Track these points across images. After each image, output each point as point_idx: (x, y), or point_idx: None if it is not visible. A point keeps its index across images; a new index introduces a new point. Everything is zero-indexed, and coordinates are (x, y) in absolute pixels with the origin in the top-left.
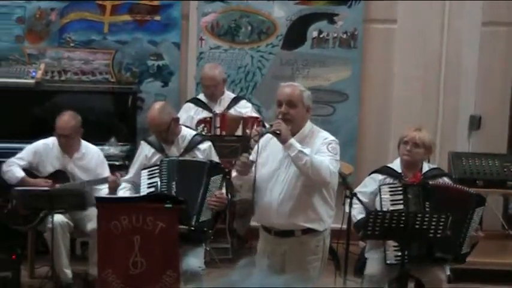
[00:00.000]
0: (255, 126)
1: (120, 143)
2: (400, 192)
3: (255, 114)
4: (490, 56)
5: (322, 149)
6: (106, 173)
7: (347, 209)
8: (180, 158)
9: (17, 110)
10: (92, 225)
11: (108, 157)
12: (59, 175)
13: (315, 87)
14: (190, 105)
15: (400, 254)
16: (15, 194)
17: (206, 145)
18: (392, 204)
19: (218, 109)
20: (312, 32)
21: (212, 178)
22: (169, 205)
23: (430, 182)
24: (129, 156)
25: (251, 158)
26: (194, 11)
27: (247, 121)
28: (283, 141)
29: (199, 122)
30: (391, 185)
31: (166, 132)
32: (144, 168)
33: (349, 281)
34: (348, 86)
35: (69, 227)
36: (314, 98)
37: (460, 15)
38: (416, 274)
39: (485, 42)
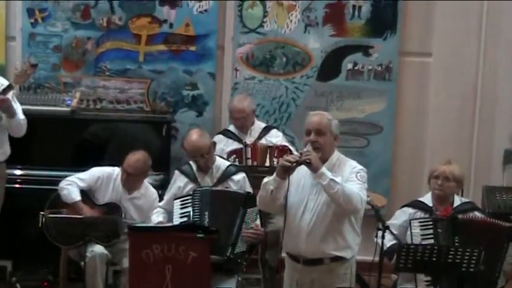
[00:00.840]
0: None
1: (154, 172)
2: (431, 226)
3: (286, 143)
4: None
5: (351, 177)
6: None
7: (379, 241)
8: (214, 188)
9: (52, 138)
10: (127, 262)
11: None
12: (114, 208)
13: (349, 119)
14: (220, 137)
15: None
16: (47, 219)
17: (240, 176)
18: (422, 239)
19: (249, 139)
20: (347, 64)
21: (249, 210)
22: (202, 235)
23: (460, 216)
24: (163, 185)
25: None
26: (230, 41)
27: (273, 150)
28: (314, 169)
29: (230, 153)
30: (421, 220)
31: (207, 156)
32: (177, 198)
33: None
34: (382, 118)
35: (108, 258)
36: (348, 130)
37: (496, 47)
38: None
39: None
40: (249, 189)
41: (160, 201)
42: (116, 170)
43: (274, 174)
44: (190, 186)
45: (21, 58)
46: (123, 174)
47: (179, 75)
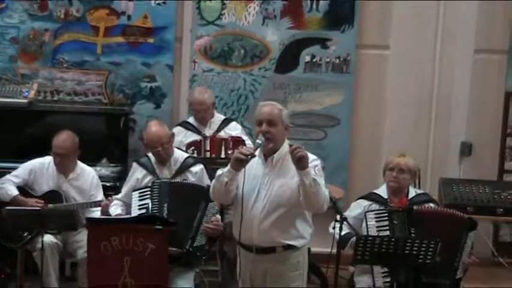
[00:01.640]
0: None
1: (111, 164)
2: (386, 218)
3: (244, 136)
4: (481, 83)
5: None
6: (100, 195)
7: (334, 232)
8: (172, 180)
9: (9, 130)
10: (83, 253)
11: (99, 178)
12: (53, 195)
13: (307, 112)
14: (179, 128)
15: (389, 279)
16: (5, 213)
17: (198, 168)
18: (378, 231)
19: (208, 132)
20: (305, 57)
21: (210, 204)
22: (160, 227)
23: (415, 207)
24: (121, 177)
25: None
26: (188, 33)
27: (228, 142)
28: (303, 167)
29: (189, 145)
30: (377, 211)
31: (168, 145)
32: (135, 190)
33: None
34: (340, 110)
35: (59, 247)
36: (306, 122)
37: (453, 42)
38: None
39: (477, 69)
40: (207, 181)
41: (117, 193)
42: (47, 158)
43: (229, 166)
44: (149, 178)
45: None
46: (55, 158)
47: (137, 67)
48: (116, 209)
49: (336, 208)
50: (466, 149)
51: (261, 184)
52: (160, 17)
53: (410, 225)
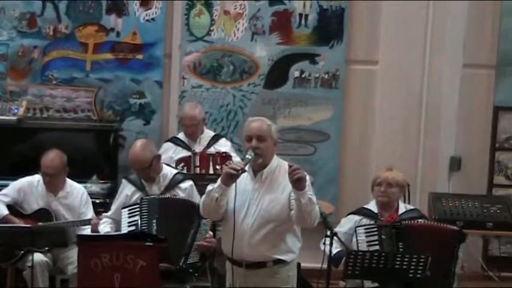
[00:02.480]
0: (228, 162)
1: (101, 181)
2: (375, 233)
3: (233, 153)
4: (470, 97)
5: None
6: (90, 212)
7: (326, 248)
8: (162, 196)
9: None
10: (73, 269)
11: (89, 195)
12: (43, 213)
13: (296, 127)
14: (169, 144)
15: None
16: None
17: (187, 184)
18: (368, 245)
19: (198, 148)
20: (294, 72)
21: (203, 221)
22: (150, 243)
23: (403, 222)
24: (111, 194)
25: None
26: (177, 50)
27: (215, 158)
28: (302, 187)
29: (179, 161)
30: (366, 226)
31: (149, 170)
32: (125, 207)
33: None
34: (329, 126)
35: (48, 265)
36: (295, 137)
37: (441, 57)
38: None
39: (465, 84)
40: (197, 197)
41: (107, 210)
42: (36, 177)
43: (219, 181)
44: (138, 194)
45: None
46: (44, 177)
47: (126, 84)
48: (105, 227)
49: (326, 224)
50: (455, 164)
51: (251, 199)
52: (149, 34)
53: (398, 240)
